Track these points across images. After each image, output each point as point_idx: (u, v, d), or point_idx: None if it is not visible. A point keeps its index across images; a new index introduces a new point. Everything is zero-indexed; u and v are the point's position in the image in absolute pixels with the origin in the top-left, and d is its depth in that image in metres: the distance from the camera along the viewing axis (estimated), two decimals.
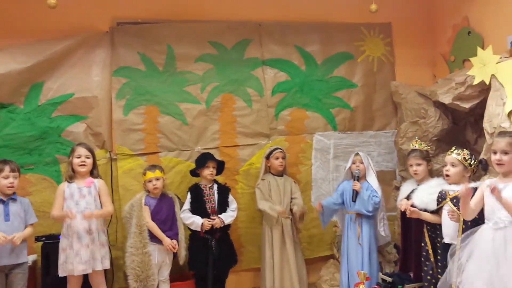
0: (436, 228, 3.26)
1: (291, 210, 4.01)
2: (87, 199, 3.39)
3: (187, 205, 3.76)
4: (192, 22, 4.30)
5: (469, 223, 2.88)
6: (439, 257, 3.20)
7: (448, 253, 2.83)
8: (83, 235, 3.30)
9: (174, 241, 3.62)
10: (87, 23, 4.08)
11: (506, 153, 2.61)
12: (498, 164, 2.64)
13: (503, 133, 2.77)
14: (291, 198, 4.02)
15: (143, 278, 3.49)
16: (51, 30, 3.97)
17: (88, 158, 3.46)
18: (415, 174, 3.54)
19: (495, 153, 2.67)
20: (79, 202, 3.36)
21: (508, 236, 2.50)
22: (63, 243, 3.32)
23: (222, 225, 3.73)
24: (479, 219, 2.79)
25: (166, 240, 3.59)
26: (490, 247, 2.54)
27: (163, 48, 4.21)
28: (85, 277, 3.39)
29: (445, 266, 2.94)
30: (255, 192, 4.02)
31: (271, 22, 4.45)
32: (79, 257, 3.26)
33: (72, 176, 3.45)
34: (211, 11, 4.34)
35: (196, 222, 3.69)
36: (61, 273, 3.30)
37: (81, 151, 3.45)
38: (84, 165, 3.44)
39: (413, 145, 3.71)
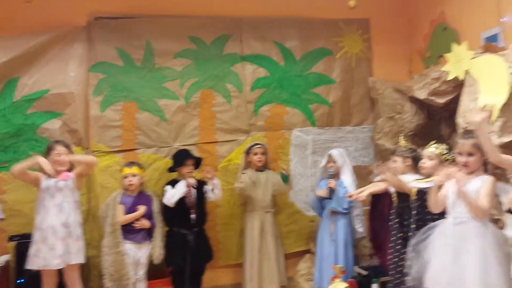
0: (405, 220, 3.28)
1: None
2: (64, 192, 3.32)
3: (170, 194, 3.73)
4: (171, 17, 4.27)
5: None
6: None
7: (410, 247, 2.87)
8: (59, 228, 3.24)
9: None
10: (64, 17, 4.03)
11: (471, 154, 2.64)
12: (464, 166, 2.67)
13: (466, 134, 2.78)
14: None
15: (116, 278, 3.46)
16: (26, 24, 3.92)
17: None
18: (395, 171, 3.58)
19: (460, 154, 2.68)
20: (55, 195, 3.29)
21: (466, 231, 2.56)
22: (36, 236, 3.24)
23: (214, 181, 3.79)
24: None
25: (139, 211, 3.57)
26: (451, 241, 2.59)
27: (141, 43, 4.18)
28: (61, 276, 3.34)
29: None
30: (240, 176, 4.03)
31: (250, 17, 4.43)
32: (54, 251, 3.20)
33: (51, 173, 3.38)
34: (190, 6, 4.31)
35: (179, 186, 3.66)
36: (30, 266, 3.21)
37: (60, 149, 3.39)
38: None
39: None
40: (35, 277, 3.30)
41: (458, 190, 2.58)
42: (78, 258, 3.32)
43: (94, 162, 3.53)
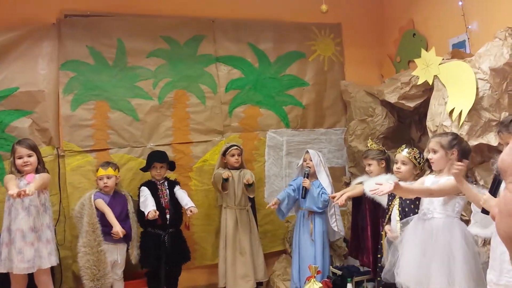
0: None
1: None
2: (30, 195, 3.20)
3: (143, 198, 3.70)
4: (143, 16, 4.22)
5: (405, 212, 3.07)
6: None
7: (385, 242, 2.96)
8: (28, 233, 3.15)
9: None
10: (33, 14, 3.90)
11: (435, 151, 2.78)
12: (431, 162, 2.83)
13: (437, 134, 2.96)
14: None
15: (100, 277, 3.39)
16: None
17: (30, 156, 3.31)
18: (370, 173, 3.67)
19: (428, 152, 2.87)
20: (24, 198, 3.18)
21: (434, 226, 2.66)
22: (4, 237, 3.15)
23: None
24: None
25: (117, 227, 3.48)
26: (420, 237, 2.69)
27: (113, 42, 4.10)
28: (31, 276, 3.24)
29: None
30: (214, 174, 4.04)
31: (224, 18, 4.44)
32: (21, 255, 3.11)
33: (20, 173, 3.30)
34: (164, 6, 4.27)
35: (148, 205, 3.62)
36: (1, 269, 3.13)
37: (22, 151, 3.29)
38: (28, 165, 3.30)
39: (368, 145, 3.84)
40: (3, 278, 3.20)
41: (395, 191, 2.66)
42: (50, 261, 3.23)
43: (47, 180, 3.39)
